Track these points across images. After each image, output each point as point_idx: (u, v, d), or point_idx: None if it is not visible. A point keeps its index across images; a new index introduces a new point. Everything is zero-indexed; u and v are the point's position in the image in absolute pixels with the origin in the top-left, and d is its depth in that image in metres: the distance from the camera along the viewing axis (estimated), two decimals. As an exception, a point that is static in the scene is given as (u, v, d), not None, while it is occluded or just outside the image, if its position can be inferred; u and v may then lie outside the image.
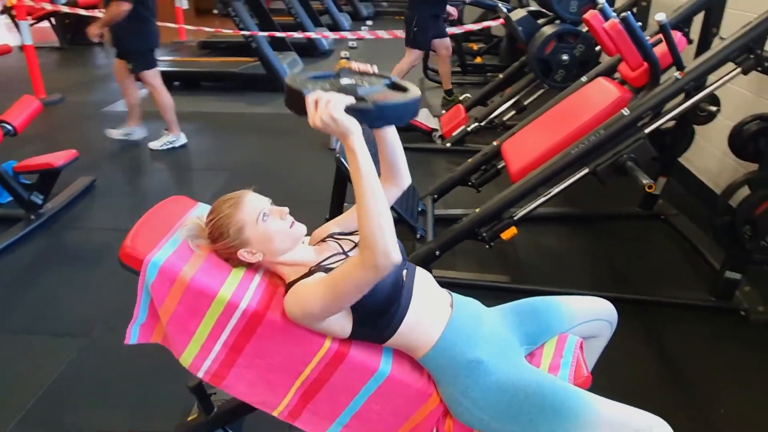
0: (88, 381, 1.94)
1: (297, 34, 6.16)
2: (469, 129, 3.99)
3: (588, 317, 1.41)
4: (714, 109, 2.54)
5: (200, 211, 1.35)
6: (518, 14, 3.74)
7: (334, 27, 8.48)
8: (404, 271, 1.24)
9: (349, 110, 0.99)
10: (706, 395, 1.91)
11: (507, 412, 1.17)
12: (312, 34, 6.65)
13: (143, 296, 1.18)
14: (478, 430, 1.23)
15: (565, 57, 3.34)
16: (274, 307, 1.20)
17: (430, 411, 1.28)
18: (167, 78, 5.67)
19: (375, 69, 1.20)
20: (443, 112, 4.60)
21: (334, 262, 1.20)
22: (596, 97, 2.36)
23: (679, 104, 2.11)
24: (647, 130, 2.11)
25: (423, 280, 1.29)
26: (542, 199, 2.29)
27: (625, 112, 2.10)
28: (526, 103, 3.98)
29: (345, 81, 1.11)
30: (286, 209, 1.23)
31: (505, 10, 3.83)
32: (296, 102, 1.03)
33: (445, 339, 1.21)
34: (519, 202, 2.31)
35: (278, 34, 5.74)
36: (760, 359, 2.07)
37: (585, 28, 3.51)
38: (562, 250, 2.88)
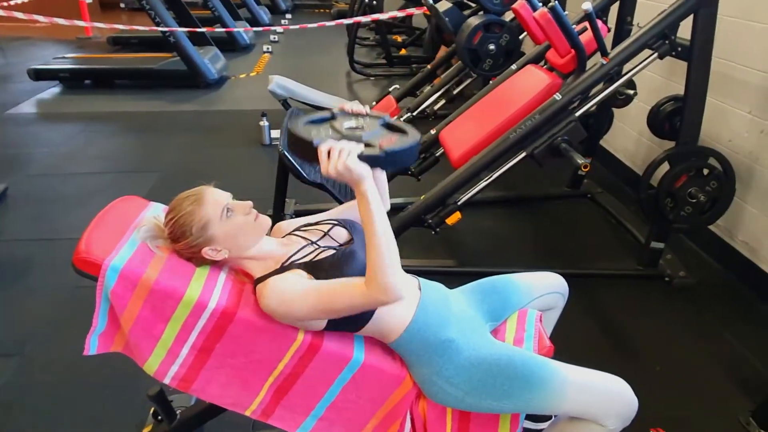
0: (29, 401, 1.80)
1: (242, 28, 5.92)
2: (401, 119, 4.04)
3: (543, 291, 1.49)
4: (631, 92, 2.73)
5: (155, 210, 1.29)
6: (444, 6, 3.81)
7: (254, 21, 8.27)
8: None
9: (361, 158, 1.03)
10: (642, 355, 2.07)
11: (481, 387, 1.22)
12: (247, 27, 6.44)
13: (102, 303, 1.11)
14: (454, 407, 1.27)
15: (492, 46, 3.44)
16: (244, 304, 1.18)
17: (404, 395, 1.30)
18: (77, 76, 5.34)
19: (368, 110, 1.23)
20: (374, 104, 4.62)
21: (305, 255, 1.19)
22: (528, 84, 2.46)
23: (605, 88, 2.25)
24: (578, 114, 2.23)
25: None
26: (484, 183, 2.37)
27: (558, 97, 2.22)
28: (455, 92, 4.08)
29: (346, 125, 1.14)
30: (250, 203, 1.21)
31: (431, 1, 3.89)
32: (305, 150, 1.06)
33: (416, 321, 1.23)
34: (462, 188, 2.38)
35: (202, 30, 5.52)
36: (684, 319, 2.26)
37: (509, 18, 3.66)
38: (501, 231, 2.99)
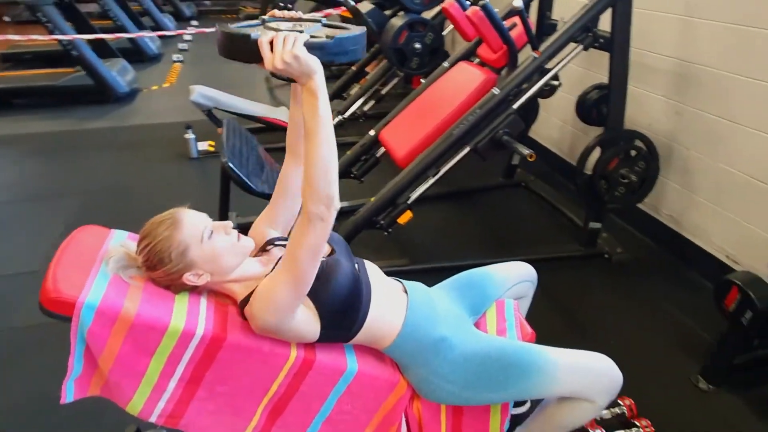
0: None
1: (150, 34, 5.58)
2: (333, 122, 4.01)
3: (515, 281, 1.54)
4: (556, 83, 2.87)
5: (119, 238, 1.20)
6: (366, 7, 3.82)
7: (158, 29, 7.88)
8: (356, 266, 1.24)
9: (308, 46, 0.93)
10: (596, 330, 2.19)
11: (477, 380, 1.24)
12: (159, 32, 6.11)
13: (77, 345, 1.02)
14: (452, 404, 1.28)
15: (417, 45, 3.50)
16: (232, 328, 1.12)
17: (398, 399, 1.30)
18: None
19: (301, 14, 1.13)
20: (301, 108, 4.55)
21: None
22: (465, 80, 2.53)
23: (538, 80, 2.35)
24: (515, 106, 2.32)
25: (374, 272, 1.29)
26: (432, 180, 2.41)
27: (496, 91, 2.29)
28: (383, 92, 4.11)
29: (283, 26, 1.03)
30: (230, 223, 1.15)
31: (352, 3, 3.89)
32: (241, 48, 0.95)
33: (408, 324, 1.23)
34: (411, 186, 2.40)
35: (109, 36, 5.18)
36: (626, 292, 2.42)
37: (431, 17, 3.74)
38: (448, 225, 3.05)
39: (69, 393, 1.04)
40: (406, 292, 1.30)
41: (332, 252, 1.25)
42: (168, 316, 1.05)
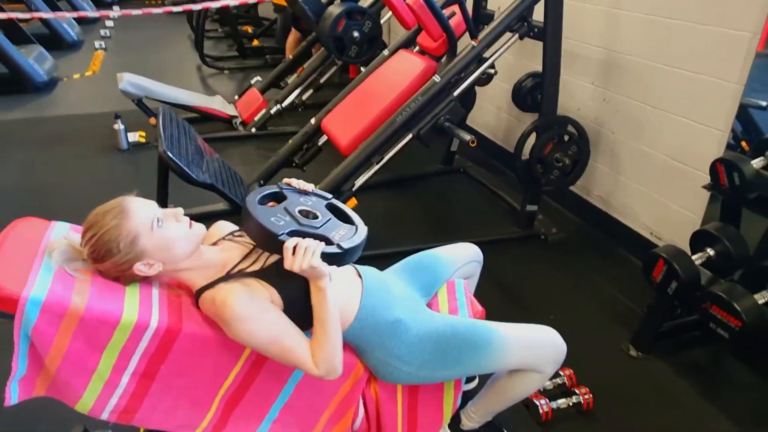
0: None
1: (71, 14, 5.20)
2: (272, 112, 3.95)
3: (463, 261, 1.59)
4: (493, 71, 2.95)
5: (61, 230, 1.14)
6: (301, -6, 3.77)
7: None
8: None
9: (323, 256, 1.07)
10: (536, 307, 2.30)
11: (433, 359, 1.28)
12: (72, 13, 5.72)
13: (21, 343, 0.96)
14: (409, 383, 1.32)
15: (356, 34, 3.50)
16: (188, 318, 1.10)
17: (355, 381, 1.32)
18: None
19: (313, 188, 1.28)
20: (236, 98, 4.45)
21: (252, 262, 1.14)
22: (406, 68, 2.56)
23: (477, 68, 2.42)
24: (456, 93, 2.38)
25: None
26: (376, 167, 2.43)
27: (437, 78, 2.34)
28: (322, 81, 4.08)
29: (298, 209, 1.18)
30: (181, 209, 1.12)
31: (288, -11, 3.83)
32: (267, 240, 1.08)
33: (364, 307, 1.25)
34: (355, 174, 2.41)
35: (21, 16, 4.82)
36: (562, 270, 2.55)
37: (369, 5, 3.74)
38: (391, 212, 3.09)
39: (14, 394, 0.99)
40: (360, 276, 1.32)
41: None
42: (119, 309, 1.02)
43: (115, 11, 5.38)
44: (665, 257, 1.77)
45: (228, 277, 1.10)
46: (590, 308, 2.29)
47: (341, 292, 1.22)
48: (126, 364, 1.05)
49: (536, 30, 2.40)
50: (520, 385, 1.35)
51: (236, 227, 1.29)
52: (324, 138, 2.93)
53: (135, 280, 1.10)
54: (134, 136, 3.80)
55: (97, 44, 6.59)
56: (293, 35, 5.01)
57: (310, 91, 4.10)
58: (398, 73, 2.58)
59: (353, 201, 2.42)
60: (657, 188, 2.44)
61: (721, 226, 1.82)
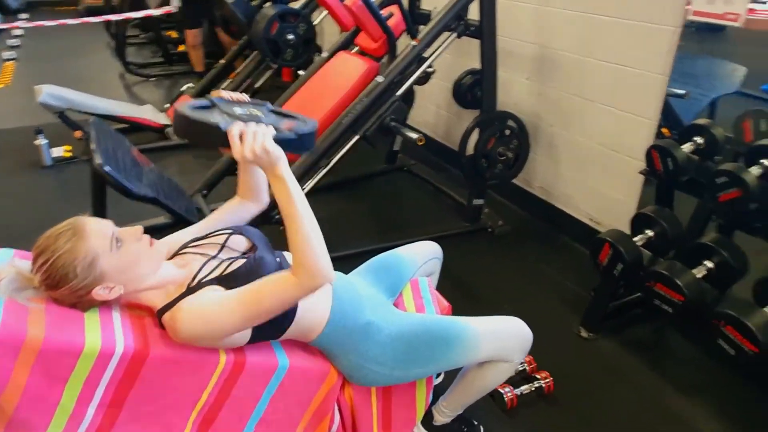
0: None
1: None
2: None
3: (424, 259, 1.61)
4: (431, 70, 3.00)
5: (4, 257, 1.06)
6: (230, -4, 3.68)
7: (-20, 23, 6.86)
8: (278, 260, 1.22)
9: (276, 140, 1.00)
10: (490, 297, 2.37)
11: (406, 358, 1.28)
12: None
13: (-26, 384, 0.88)
14: (384, 385, 1.32)
15: (290, 36, 3.45)
16: (154, 341, 1.05)
17: (330, 388, 1.31)
18: None
19: (248, 98, 1.18)
20: (167, 106, 4.27)
21: (212, 270, 1.10)
22: (348, 70, 2.55)
23: (418, 67, 2.45)
24: (399, 93, 2.40)
25: None
26: (324, 170, 2.41)
27: (380, 79, 2.35)
28: (257, 85, 4.00)
29: (238, 111, 1.08)
30: (141, 227, 1.06)
31: (216, -8, 3.72)
32: (208, 135, 1.01)
33: (335, 312, 1.24)
34: (304, 178, 2.38)
35: None
36: (510, 260, 2.63)
37: (301, 7, 3.70)
38: (340, 214, 3.07)
39: (-34, 440, 0.91)
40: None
41: (253, 248, 1.22)
42: (81, 337, 0.95)
43: (24, 23, 5.01)
44: (611, 241, 1.87)
45: (189, 292, 1.06)
46: (541, 295, 2.38)
47: (312, 297, 1.20)
48: (92, 395, 0.99)
49: (473, 28, 2.46)
50: (490, 375, 1.38)
51: (190, 237, 1.24)
52: (267, 143, 2.87)
53: (94, 305, 1.03)
54: (58, 151, 3.56)
55: (5, 55, 6.13)
56: (226, 38, 4.91)
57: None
58: (341, 76, 2.57)
59: (303, 205, 2.39)
60: (594, 177, 2.57)
61: (658, 209, 1.93)
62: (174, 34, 6.44)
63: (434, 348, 1.29)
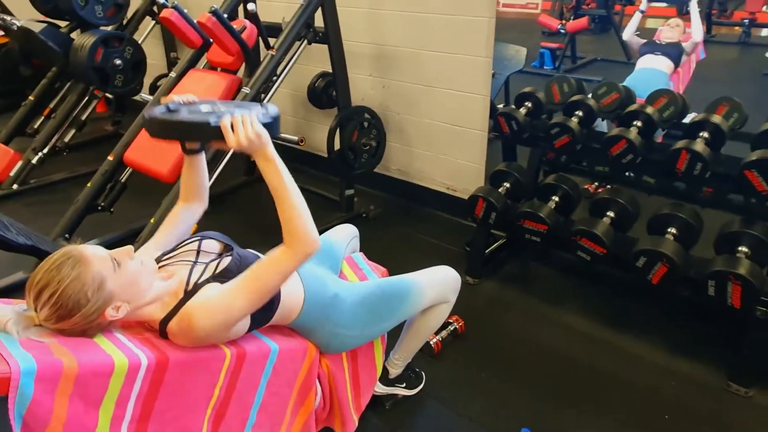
0: None
1: None
2: (33, 162, 3.45)
3: (348, 238, 1.81)
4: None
5: (-13, 305, 1.00)
6: (37, 27, 3.37)
7: None
8: (254, 253, 1.32)
9: (262, 124, 1.11)
10: (391, 270, 2.62)
11: (371, 319, 1.48)
12: None
13: (16, 425, 0.86)
14: (357, 346, 1.49)
15: (118, 61, 3.30)
16: (167, 349, 1.09)
17: (311, 362, 1.44)
18: None
19: (195, 98, 1.26)
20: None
21: (202, 273, 1.17)
22: (207, 85, 2.58)
23: (279, 76, 2.59)
24: (266, 101, 2.52)
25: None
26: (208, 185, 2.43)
27: (246, 90, 2.45)
28: (84, 117, 3.71)
29: (204, 108, 1.17)
30: (131, 247, 1.09)
31: (18, 24, 3.37)
32: (198, 132, 1.13)
33: (308, 292, 1.38)
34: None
35: None
36: (391, 238, 2.92)
37: (119, 29, 3.54)
38: (223, 230, 3.05)
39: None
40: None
41: (226, 247, 1.30)
42: (107, 357, 0.97)
43: None
44: (483, 196, 2.26)
45: (187, 296, 1.12)
46: (426, 259, 2.67)
47: (287, 284, 1.33)
48: (123, 413, 1.00)
49: (321, 35, 2.68)
50: (434, 317, 1.63)
51: (160, 252, 1.28)
52: (127, 173, 2.76)
53: (101, 329, 1.04)
54: None
55: None
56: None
57: (73, 131, 3.70)
58: (202, 91, 2.59)
59: (194, 226, 2.39)
60: (444, 150, 2.99)
61: (509, 164, 2.38)
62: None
63: (392, 304, 1.50)
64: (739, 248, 1.82)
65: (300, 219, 1.13)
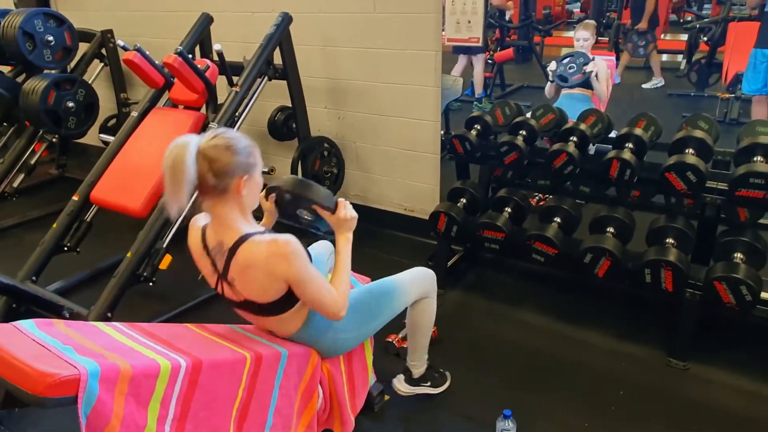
0: None
1: None
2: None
3: (327, 252, 1.96)
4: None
5: (30, 327, 1.08)
6: (-18, 71, 3.34)
7: None
8: None
9: None
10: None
11: (365, 319, 1.64)
12: None
13: (83, 422, 0.95)
14: (356, 346, 1.64)
15: (71, 104, 3.33)
16: (198, 352, 1.20)
17: (314, 367, 1.57)
18: None
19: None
20: None
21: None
22: (172, 122, 2.68)
23: (243, 110, 2.74)
24: (233, 135, 2.65)
25: None
26: (180, 218, 2.51)
27: (213, 125, 2.57)
28: (33, 161, 3.66)
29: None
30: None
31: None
32: (332, 202, 1.53)
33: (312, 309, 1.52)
34: (163, 231, 2.46)
35: None
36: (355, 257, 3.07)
37: (70, 71, 3.56)
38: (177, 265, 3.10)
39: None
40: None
41: None
42: (153, 360, 1.08)
43: None
44: (445, 212, 2.48)
45: (266, 233, 1.36)
46: (384, 269, 2.88)
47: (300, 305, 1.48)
48: (167, 413, 1.10)
49: (279, 71, 2.86)
50: (425, 312, 1.83)
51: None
52: (93, 212, 2.78)
53: (225, 199, 1.33)
54: None
55: None
56: None
57: (22, 176, 3.64)
58: (167, 128, 2.68)
59: (168, 257, 2.46)
60: (400, 174, 3.20)
61: (464, 181, 2.62)
62: None
63: (381, 302, 1.68)
64: (667, 240, 2.13)
65: (346, 287, 1.49)
